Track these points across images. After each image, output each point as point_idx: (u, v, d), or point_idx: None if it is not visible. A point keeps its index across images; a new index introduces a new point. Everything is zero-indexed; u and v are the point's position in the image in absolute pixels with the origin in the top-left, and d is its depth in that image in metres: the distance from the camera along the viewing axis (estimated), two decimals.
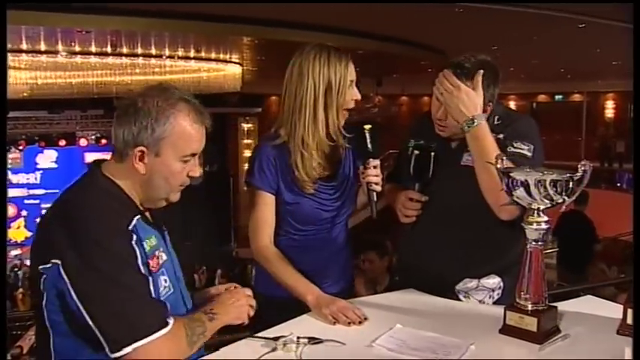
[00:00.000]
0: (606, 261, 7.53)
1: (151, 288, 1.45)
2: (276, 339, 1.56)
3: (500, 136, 1.98)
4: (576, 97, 20.07)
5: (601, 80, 18.20)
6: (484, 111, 1.94)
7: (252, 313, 1.68)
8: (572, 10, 8.15)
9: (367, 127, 1.96)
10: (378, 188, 1.96)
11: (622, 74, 16.54)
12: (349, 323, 1.72)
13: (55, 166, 15.95)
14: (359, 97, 2.01)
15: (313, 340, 1.56)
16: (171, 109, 1.49)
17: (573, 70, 15.82)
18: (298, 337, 1.55)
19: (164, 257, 1.56)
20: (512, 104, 18.95)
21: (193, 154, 1.55)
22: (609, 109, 19.90)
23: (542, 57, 12.66)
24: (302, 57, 1.97)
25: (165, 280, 1.55)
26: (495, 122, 2.02)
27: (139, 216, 1.50)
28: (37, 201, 15.52)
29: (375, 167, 1.95)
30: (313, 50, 1.97)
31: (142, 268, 1.44)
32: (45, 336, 1.46)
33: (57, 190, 15.04)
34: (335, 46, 2.02)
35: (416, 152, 2.07)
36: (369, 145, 1.95)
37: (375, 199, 1.96)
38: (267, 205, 1.99)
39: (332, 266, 2.08)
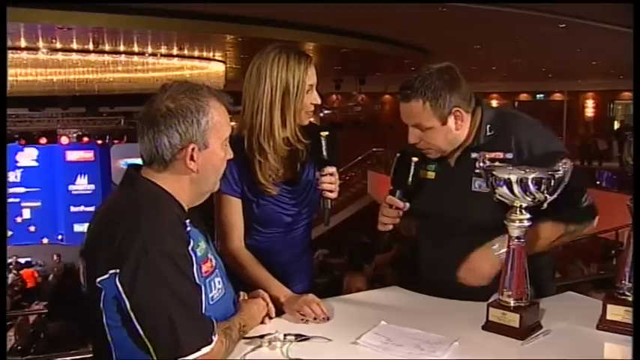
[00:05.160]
0: (585, 258, 7.64)
1: (203, 297, 1.44)
2: (261, 337, 1.57)
3: (509, 155, 1.87)
4: (557, 97, 20.30)
5: (581, 80, 18.42)
6: (446, 121, 1.87)
7: (267, 322, 1.71)
8: (553, 11, 8.25)
9: (324, 133, 1.90)
10: (332, 196, 1.91)
11: (601, 74, 16.78)
12: (314, 319, 1.72)
13: (35, 164, 15.79)
14: (319, 101, 1.96)
15: (299, 337, 1.57)
16: (205, 98, 1.50)
17: (554, 70, 16.00)
18: (285, 335, 1.56)
19: (214, 260, 1.57)
20: (494, 103, 19.12)
21: (227, 137, 1.57)
22: (589, 108, 20.17)
23: (523, 56, 12.79)
24: (261, 58, 1.92)
25: (219, 282, 1.56)
26: (488, 133, 1.93)
27: (189, 220, 1.50)
28: (18, 199, 15.36)
29: (331, 174, 1.90)
30: (273, 52, 1.91)
31: (196, 275, 1.43)
32: (105, 352, 1.44)
33: (38, 189, 14.86)
34: (297, 48, 1.97)
35: (397, 155, 2.01)
36: (324, 152, 1.89)
37: (329, 206, 1.91)
38: (233, 207, 1.96)
39: (293, 268, 2.07)
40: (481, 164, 1.77)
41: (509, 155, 1.89)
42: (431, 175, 2.04)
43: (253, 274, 1.92)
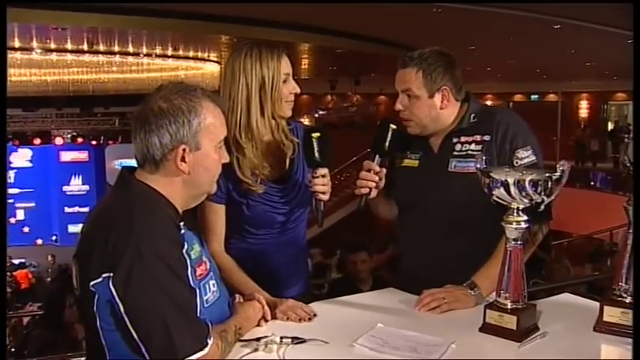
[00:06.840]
0: (579, 259, 7.65)
1: (197, 301, 1.43)
2: (257, 339, 1.56)
3: (487, 137, 1.97)
4: (551, 97, 20.35)
5: (575, 81, 18.48)
6: (433, 96, 1.98)
7: (263, 324, 1.70)
8: (548, 12, 8.27)
9: (315, 135, 1.90)
10: (325, 198, 1.91)
11: (596, 75, 16.83)
12: (300, 320, 1.72)
13: (29, 165, 15.75)
14: (298, 90, 1.97)
15: (296, 340, 1.56)
16: (198, 100, 1.49)
17: (548, 71, 16.04)
18: (281, 337, 1.55)
19: (208, 262, 1.56)
20: (488, 103, 19.15)
21: (222, 139, 1.55)
22: (583, 109, 20.24)
23: (518, 57, 12.83)
24: (234, 56, 1.93)
25: (214, 285, 1.55)
26: (471, 120, 2.03)
27: (182, 222, 1.49)
28: (12, 200, 15.28)
29: (323, 176, 1.90)
30: (244, 48, 1.92)
31: (190, 278, 1.43)
32: (99, 356, 1.43)
33: (32, 189, 14.80)
34: (268, 41, 1.98)
35: (378, 123, 2.03)
36: (317, 154, 1.89)
37: (322, 208, 1.91)
38: (215, 214, 1.95)
39: (289, 270, 2.06)
40: (458, 146, 1.99)
41: (487, 137, 1.98)
42: (414, 163, 2.10)
43: (232, 279, 1.87)
